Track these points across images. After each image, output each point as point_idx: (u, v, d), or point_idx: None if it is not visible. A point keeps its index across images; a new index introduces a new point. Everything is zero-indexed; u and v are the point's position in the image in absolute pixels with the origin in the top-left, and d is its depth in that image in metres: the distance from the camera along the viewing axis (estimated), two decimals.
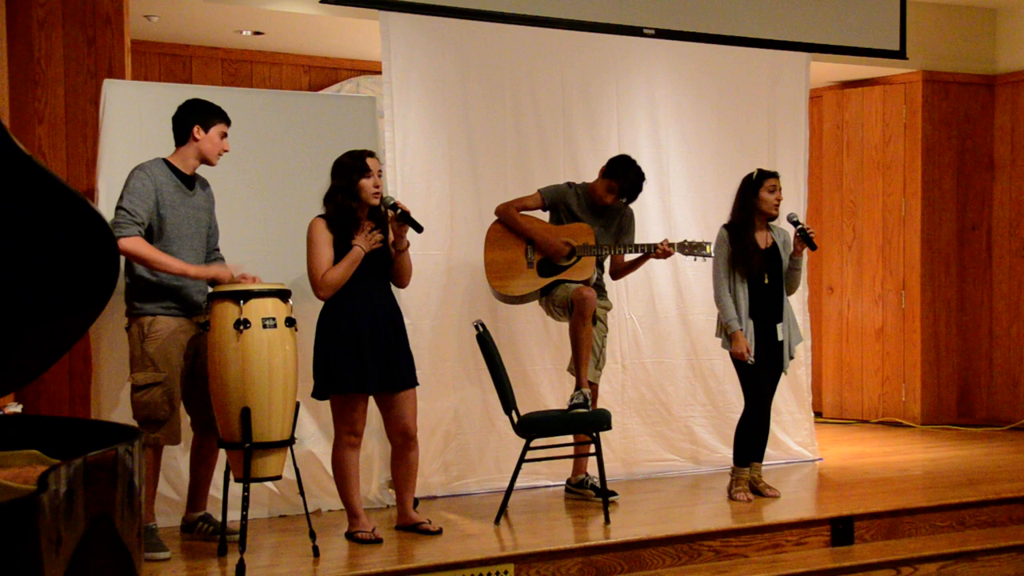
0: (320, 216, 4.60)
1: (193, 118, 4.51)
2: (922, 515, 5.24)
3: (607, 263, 5.63)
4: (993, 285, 8.15)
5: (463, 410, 5.72)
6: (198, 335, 4.51)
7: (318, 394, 4.62)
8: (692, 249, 5.41)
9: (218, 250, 4.74)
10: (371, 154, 4.63)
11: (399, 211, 4.58)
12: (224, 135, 4.56)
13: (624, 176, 5.42)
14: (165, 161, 4.50)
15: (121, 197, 4.38)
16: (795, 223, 5.38)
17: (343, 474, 4.61)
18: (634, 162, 5.49)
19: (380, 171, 4.62)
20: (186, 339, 4.49)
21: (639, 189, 5.49)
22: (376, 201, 4.58)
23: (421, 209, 4.68)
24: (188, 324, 4.51)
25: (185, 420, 4.59)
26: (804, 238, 5.33)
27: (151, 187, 4.38)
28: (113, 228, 4.24)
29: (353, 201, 4.54)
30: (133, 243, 4.30)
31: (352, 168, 4.56)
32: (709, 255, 5.41)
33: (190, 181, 4.55)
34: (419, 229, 4.61)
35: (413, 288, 5.43)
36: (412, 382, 4.69)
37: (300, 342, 4.42)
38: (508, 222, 5.41)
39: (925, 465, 6.50)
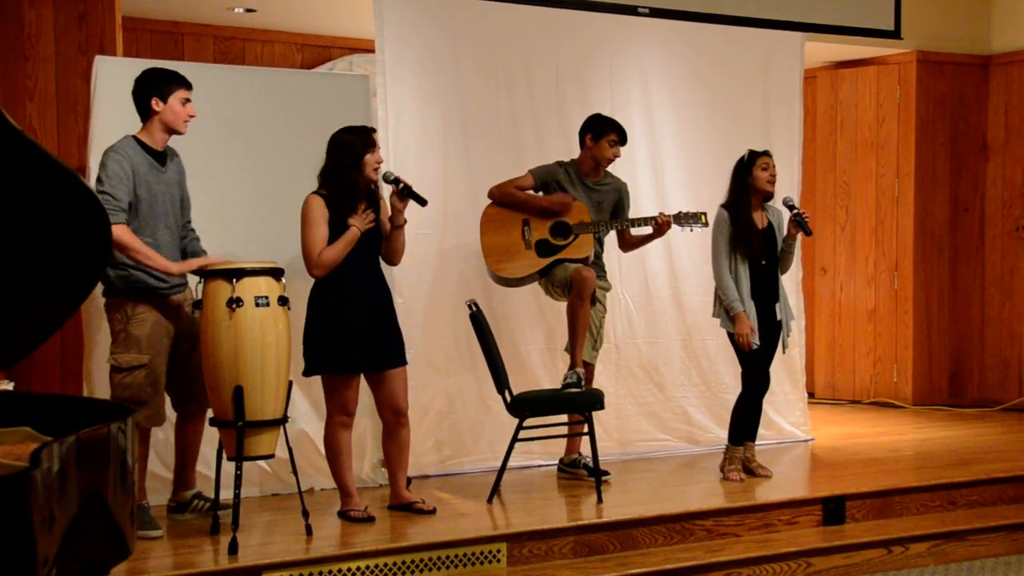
0: (315, 193, 4.57)
1: (148, 90, 4.36)
2: (913, 495, 5.27)
3: (608, 240, 5.61)
4: (985, 266, 8.16)
5: (455, 390, 5.72)
6: (179, 317, 4.47)
7: (308, 371, 4.61)
8: (688, 219, 5.40)
9: (190, 223, 4.60)
10: (374, 130, 4.65)
11: (401, 185, 4.59)
12: (187, 100, 4.40)
13: (610, 121, 5.43)
14: (135, 139, 4.37)
15: (100, 181, 4.25)
16: (791, 207, 5.36)
17: (335, 453, 4.61)
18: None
19: (379, 147, 4.63)
20: (171, 321, 4.44)
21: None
22: (376, 176, 4.58)
23: (414, 188, 4.71)
24: (171, 305, 4.45)
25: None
26: (799, 223, 5.30)
27: (128, 169, 4.27)
28: None
29: (358, 175, 4.53)
30: (119, 231, 4.16)
31: (357, 143, 4.55)
32: (705, 225, 5.39)
33: (161, 157, 4.43)
34: (423, 203, 4.63)
35: (406, 267, 5.41)
36: (401, 361, 4.69)
37: (292, 321, 4.40)
38: (507, 200, 5.38)
39: (916, 445, 6.52)
